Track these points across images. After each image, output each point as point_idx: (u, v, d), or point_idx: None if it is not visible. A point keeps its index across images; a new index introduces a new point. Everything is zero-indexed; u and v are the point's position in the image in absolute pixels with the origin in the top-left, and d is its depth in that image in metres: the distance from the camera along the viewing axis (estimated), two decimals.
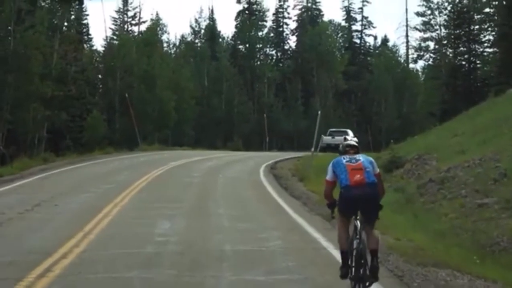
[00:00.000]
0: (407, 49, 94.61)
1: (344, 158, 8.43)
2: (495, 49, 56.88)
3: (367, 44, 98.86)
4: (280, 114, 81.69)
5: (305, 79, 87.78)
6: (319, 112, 30.44)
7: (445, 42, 67.34)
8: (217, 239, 12.59)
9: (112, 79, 63.22)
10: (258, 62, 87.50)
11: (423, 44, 71.90)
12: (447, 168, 22.24)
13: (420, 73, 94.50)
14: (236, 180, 26.27)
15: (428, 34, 71.53)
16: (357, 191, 8.16)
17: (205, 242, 12.20)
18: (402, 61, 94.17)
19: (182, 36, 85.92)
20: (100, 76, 67.50)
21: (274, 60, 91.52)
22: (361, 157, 8.45)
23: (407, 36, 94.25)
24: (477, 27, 61.27)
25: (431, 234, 15.17)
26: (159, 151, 50.80)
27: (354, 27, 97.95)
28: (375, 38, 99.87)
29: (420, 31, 73.10)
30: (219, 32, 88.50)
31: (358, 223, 8.38)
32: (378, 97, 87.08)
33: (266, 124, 70.05)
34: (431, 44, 71.51)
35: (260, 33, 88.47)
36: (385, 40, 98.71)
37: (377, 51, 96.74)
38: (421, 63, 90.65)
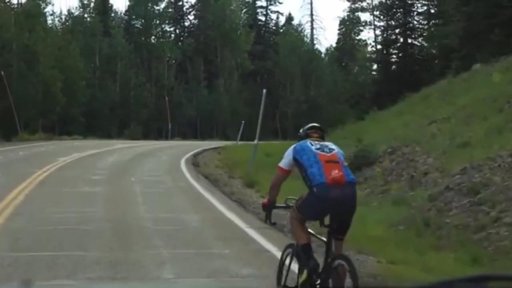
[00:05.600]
0: (312, 28, 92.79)
1: (312, 144, 6.53)
2: (427, 21, 51.93)
3: (273, 21, 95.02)
4: (182, 98, 77.02)
5: (207, 59, 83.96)
6: (264, 91, 22.77)
7: (376, 13, 62.00)
8: None
9: None
10: (155, 40, 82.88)
11: (352, 16, 66.25)
12: (461, 168, 16.66)
13: (323, 54, 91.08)
14: (159, 188, 18.58)
15: (357, 4, 65.97)
16: (336, 192, 6.30)
17: None
18: (309, 41, 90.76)
19: (69, 11, 78.68)
20: None
21: (173, 38, 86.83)
22: (334, 146, 6.63)
23: (311, 14, 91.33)
24: None
25: None
26: (44, 141, 45.73)
27: (259, 3, 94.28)
28: (278, 16, 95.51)
29: (348, 1, 67.85)
30: (111, 5, 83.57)
31: (329, 240, 6.55)
32: (284, 79, 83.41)
33: (168, 109, 64.36)
34: (361, 16, 66.40)
35: (157, 8, 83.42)
36: (289, 19, 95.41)
37: (281, 30, 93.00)
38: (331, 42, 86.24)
